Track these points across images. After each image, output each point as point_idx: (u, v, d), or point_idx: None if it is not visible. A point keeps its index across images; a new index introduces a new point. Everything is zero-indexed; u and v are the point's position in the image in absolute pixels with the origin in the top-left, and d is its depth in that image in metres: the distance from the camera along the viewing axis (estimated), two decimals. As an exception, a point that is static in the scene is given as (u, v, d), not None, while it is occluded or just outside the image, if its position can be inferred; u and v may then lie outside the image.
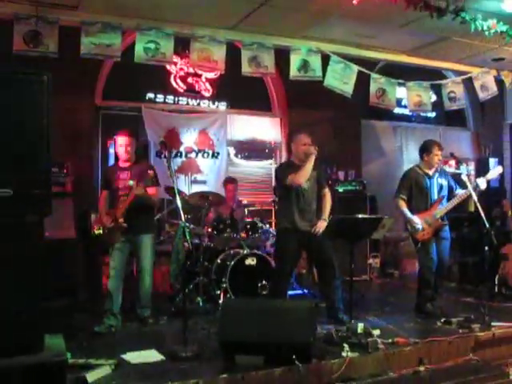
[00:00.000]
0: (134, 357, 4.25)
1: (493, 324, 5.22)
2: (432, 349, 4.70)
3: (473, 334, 5.03)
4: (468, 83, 7.90)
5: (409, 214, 5.78)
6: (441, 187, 5.88)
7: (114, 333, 5.07)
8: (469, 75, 7.72)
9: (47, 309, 3.22)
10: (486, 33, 6.03)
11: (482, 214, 5.38)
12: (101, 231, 5.60)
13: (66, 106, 6.93)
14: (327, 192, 5.68)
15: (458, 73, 8.01)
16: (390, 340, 4.67)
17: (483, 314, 5.29)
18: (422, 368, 4.49)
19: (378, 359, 4.41)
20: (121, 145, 5.54)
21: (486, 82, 7.70)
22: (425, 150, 5.94)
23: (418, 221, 5.71)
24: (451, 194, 5.89)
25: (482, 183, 5.63)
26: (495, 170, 5.97)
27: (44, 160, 3.24)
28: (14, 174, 3.13)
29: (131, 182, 5.33)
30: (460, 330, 5.08)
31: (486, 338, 5.04)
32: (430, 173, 5.91)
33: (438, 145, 5.95)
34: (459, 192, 5.82)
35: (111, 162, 7.60)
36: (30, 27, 5.45)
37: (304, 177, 5.38)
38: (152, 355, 4.32)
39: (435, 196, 5.84)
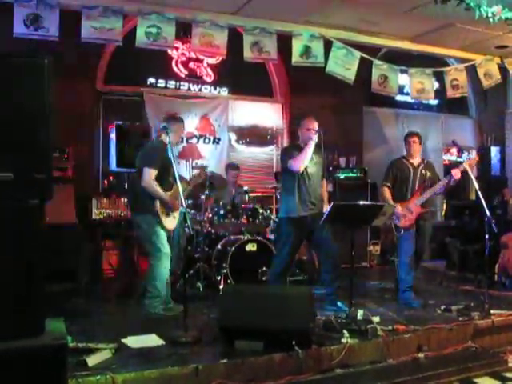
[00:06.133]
0: (134, 341, 4.26)
1: (492, 312, 5.23)
2: (431, 336, 4.71)
3: (472, 321, 5.04)
4: (471, 71, 7.85)
5: (391, 202, 5.85)
6: (424, 178, 5.92)
7: (113, 317, 5.05)
8: (472, 63, 7.66)
9: (48, 293, 3.22)
10: (491, 19, 5.99)
11: (483, 203, 5.38)
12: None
13: (67, 90, 6.89)
14: (324, 183, 5.74)
15: (461, 60, 7.95)
16: (389, 327, 4.69)
17: (483, 302, 5.31)
18: (421, 355, 4.51)
19: (377, 346, 4.43)
20: None
21: (489, 70, 7.65)
22: (404, 140, 6.10)
23: (399, 211, 5.76)
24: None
25: (456, 173, 5.62)
26: (471, 159, 5.92)
27: (45, 145, 3.22)
28: (15, 159, 3.11)
29: None
30: (460, 318, 5.11)
31: (485, 326, 5.06)
32: (415, 163, 5.98)
33: (413, 134, 6.09)
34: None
35: (112, 147, 7.57)
36: (30, 10, 5.41)
37: (302, 162, 5.32)
38: (152, 340, 4.33)
39: (416, 186, 5.90)
